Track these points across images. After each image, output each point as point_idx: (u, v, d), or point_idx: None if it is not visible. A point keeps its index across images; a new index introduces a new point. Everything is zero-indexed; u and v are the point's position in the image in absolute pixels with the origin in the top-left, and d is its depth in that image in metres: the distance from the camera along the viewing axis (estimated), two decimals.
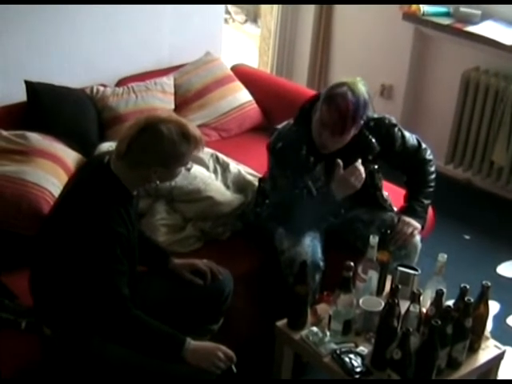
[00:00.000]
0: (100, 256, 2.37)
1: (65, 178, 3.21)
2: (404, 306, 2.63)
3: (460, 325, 2.57)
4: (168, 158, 2.45)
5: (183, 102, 4.01)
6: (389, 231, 3.04)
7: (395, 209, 3.26)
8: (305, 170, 3.00)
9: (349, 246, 3.18)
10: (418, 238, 3.13)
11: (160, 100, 3.89)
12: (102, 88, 3.78)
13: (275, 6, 5.13)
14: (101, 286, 2.38)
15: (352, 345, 2.66)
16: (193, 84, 4.07)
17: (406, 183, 3.28)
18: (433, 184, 3.22)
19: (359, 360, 2.59)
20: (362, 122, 2.96)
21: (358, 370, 2.56)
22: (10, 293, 2.75)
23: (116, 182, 2.45)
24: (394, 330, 2.55)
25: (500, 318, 3.56)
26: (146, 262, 2.75)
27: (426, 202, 3.19)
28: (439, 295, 2.61)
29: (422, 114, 4.79)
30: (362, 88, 2.91)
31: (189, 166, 2.55)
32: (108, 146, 3.42)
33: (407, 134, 3.17)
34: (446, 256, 2.76)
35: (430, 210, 3.32)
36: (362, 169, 2.95)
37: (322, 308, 2.81)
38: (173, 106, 3.96)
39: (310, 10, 5.04)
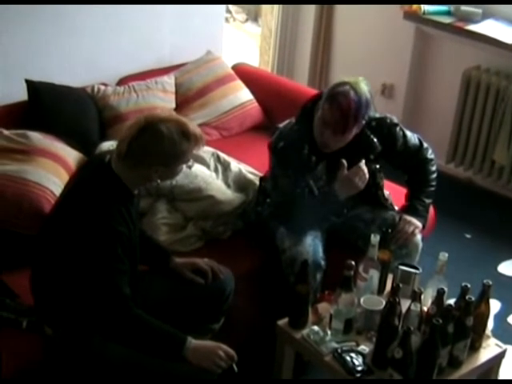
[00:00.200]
0: (101, 255, 2.37)
1: (66, 177, 3.21)
2: (405, 304, 2.63)
3: (461, 323, 2.57)
4: (169, 157, 2.45)
5: (184, 100, 4.01)
6: (390, 230, 3.03)
7: (396, 208, 3.26)
8: (306, 169, 3.00)
9: (350, 244, 3.18)
10: (419, 236, 3.13)
11: (161, 99, 3.89)
12: (102, 87, 3.78)
13: (276, 5, 5.13)
14: (102, 285, 2.38)
15: (353, 344, 2.66)
16: (194, 83, 4.06)
17: (407, 182, 3.28)
18: (434, 183, 3.22)
19: (360, 359, 2.59)
20: (363, 121, 2.96)
21: (359, 369, 2.56)
22: (10, 292, 2.75)
23: (117, 181, 2.45)
24: (395, 328, 2.55)
25: (501, 317, 3.56)
26: (147, 261, 2.75)
27: (428, 201, 3.19)
28: (440, 294, 2.61)
29: (422, 113, 4.79)
30: (364, 87, 2.91)
31: (190, 163, 2.55)
32: (109, 145, 3.42)
33: (409, 134, 3.17)
34: (447, 255, 2.76)
35: (431, 209, 3.32)
36: (365, 169, 2.95)
37: (323, 307, 2.81)
38: (174, 105, 3.95)
39: (310, 9, 5.04)
